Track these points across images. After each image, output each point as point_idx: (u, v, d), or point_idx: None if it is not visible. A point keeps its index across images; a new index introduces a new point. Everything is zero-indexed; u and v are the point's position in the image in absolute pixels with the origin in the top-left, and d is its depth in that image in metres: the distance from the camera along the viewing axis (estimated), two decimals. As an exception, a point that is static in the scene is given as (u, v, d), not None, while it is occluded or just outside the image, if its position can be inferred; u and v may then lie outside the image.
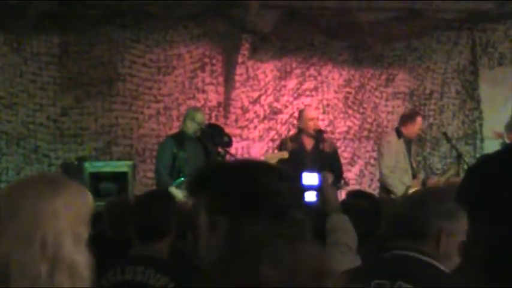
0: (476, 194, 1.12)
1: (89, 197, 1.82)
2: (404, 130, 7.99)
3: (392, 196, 7.63)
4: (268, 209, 1.81)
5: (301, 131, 7.87)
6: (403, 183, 7.78)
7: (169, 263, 3.46)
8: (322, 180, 3.72)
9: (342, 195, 7.09)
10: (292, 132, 9.07)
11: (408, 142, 8.08)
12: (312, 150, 7.70)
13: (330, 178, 4.17)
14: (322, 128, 8.31)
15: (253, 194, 1.83)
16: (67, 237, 1.67)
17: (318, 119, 8.01)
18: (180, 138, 7.54)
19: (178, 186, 7.26)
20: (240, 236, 1.34)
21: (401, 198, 6.58)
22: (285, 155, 7.65)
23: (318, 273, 1.28)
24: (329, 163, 7.41)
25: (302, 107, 9.71)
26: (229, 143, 8.10)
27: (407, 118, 8.12)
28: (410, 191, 7.37)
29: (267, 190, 1.84)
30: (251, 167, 1.95)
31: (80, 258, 1.70)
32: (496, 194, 1.07)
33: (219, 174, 1.94)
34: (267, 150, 9.44)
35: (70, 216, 1.69)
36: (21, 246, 1.63)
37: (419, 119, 8.12)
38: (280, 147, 7.93)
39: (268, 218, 1.79)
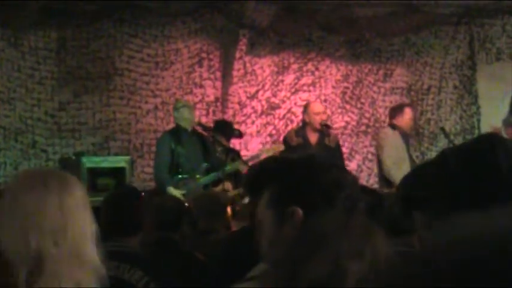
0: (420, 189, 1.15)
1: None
2: (396, 122, 8.01)
3: (393, 190, 7.65)
4: (342, 199, 1.79)
5: (306, 125, 7.85)
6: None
7: (142, 257, 3.49)
8: None
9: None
10: (291, 127, 9.08)
11: (404, 135, 8.09)
12: (317, 144, 7.70)
13: None
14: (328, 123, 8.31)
15: (327, 185, 1.81)
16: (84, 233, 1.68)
17: (324, 112, 7.97)
18: (177, 133, 7.54)
19: (176, 186, 7.27)
20: (317, 228, 1.28)
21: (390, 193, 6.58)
22: (280, 147, 7.72)
23: (394, 265, 1.24)
24: (332, 158, 7.37)
25: (300, 102, 9.72)
26: (240, 134, 8.37)
27: (395, 110, 8.16)
28: None
29: (339, 181, 1.82)
30: (316, 160, 1.92)
31: (88, 249, 1.70)
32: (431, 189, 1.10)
33: (287, 166, 1.90)
34: (264, 145, 9.44)
35: (78, 210, 1.69)
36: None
37: (407, 110, 8.12)
38: (285, 142, 7.94)
39: (342, 209, 1.77)
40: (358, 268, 1.19)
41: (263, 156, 7.87)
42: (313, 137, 7.77)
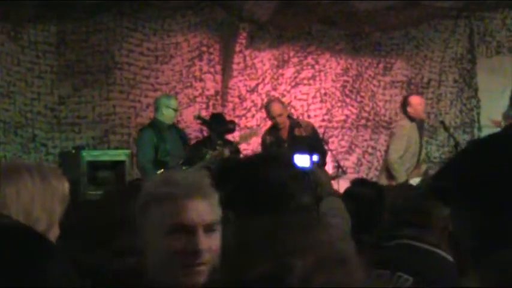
0: (465, 183, 1.13)
1: (54, 181, 1.79)
2: (410, 115, 8.01)
3: (393, 183, 7.66)
4: (271, 200, 1.81)
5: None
6: (406, 171, 7.83)
7: None
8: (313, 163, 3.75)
9: (339, 183, 7.13)
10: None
11: (421, 126, 8.12)
12: (288, 138, 7.76)
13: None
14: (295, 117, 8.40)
15: (254, 188, 1.83)
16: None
17: (280, 115, 7.87)
18: (158, 128, 7.57)
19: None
20: (251, 230, 1.31)
21: (404, 187, 6.60)
22: (257, 133, 7.82)
23: (344, 260, 1.25)
24: (308, 146, 7.31)
25: (300, 95, 9.75)
26: (233, 129, 8.19)
27: (404, 107, 8.13)
28: (412, 180, 7.40)
29: (269, 183, 1.84)
30: (254, 160, 1.95)
31: None
32: (485, 182, 1.08)
33: (226, 171, 1.97)
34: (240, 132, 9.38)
35: (23, 202, 1.68)
36: None
37: (411, 99, 8.11)
38: (262, 142, 8.03)
39: (273, 209, 1.78)
40: (304, 264, 1.19)
41: (241, 143, 8.05)
42: (284, 132, 7.83)
